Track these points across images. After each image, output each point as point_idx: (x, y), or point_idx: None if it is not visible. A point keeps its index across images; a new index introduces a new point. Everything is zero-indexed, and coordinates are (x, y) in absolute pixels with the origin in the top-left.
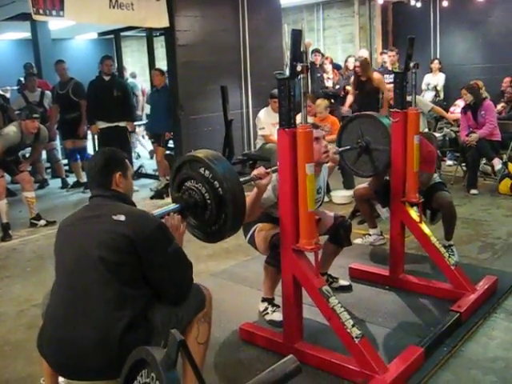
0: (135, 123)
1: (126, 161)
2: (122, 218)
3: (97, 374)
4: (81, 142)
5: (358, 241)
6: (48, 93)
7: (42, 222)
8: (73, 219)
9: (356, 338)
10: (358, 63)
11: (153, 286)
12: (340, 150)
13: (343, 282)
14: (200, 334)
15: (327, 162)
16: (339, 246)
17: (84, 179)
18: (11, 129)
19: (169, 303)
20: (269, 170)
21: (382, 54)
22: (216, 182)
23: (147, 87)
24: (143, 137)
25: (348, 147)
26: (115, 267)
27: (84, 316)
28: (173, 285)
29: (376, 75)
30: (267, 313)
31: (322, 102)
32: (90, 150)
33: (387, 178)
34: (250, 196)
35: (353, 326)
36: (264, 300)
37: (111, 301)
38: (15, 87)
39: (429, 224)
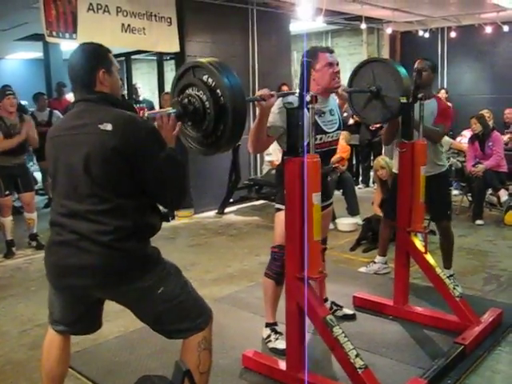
0: None
1: (110, 54)
2: (109, 127)
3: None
4: None
5: (362, 269)
6: (56, 112)
7: (33, 244)
8: (60, 129)
9: (359, 368)
10: None
11: (147, 192)
12: (349, 89)
13: (347, 311)
14: (201, 364)
15: (335, 89)
16: None
17: None
18: None
19: (164, 207)
20: (273, 92)
21: None
22: (218, 91)
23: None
24: None
25: (357, 89)
26: (106, 181)
27: (80, 224)
28: (167, 190)
29: None
30: (270, 340)
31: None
32: None
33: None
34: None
35: (356, 356)
36: (267, 325)
37: (106, 213)
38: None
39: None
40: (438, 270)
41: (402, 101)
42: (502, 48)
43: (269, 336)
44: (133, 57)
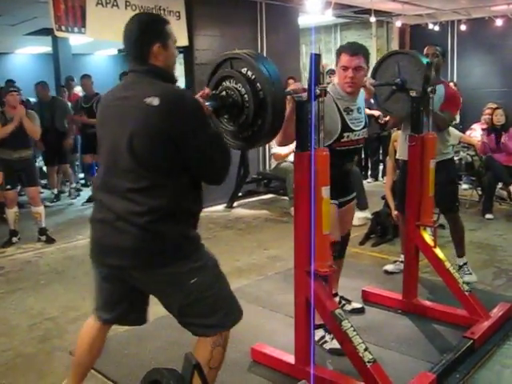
0: None
1: (167, 28)
2: (156, 101)
3: (127, 259)
4: None
5: (388, 267)
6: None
7: (43, 238)
8: (108, 99)
9: (368, 362)
10: None
11: (191, 169)
12: (375, 83)
13: (356, 305)
14: (213, 359)
15: (348, 93)
16: (339, 257)
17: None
18: None
19: (208, 183)
20: (306, 86)
21: None
22: (258, 84)
23: None
24: None
25: (382, 82)
26: (147, 157)
27: (117, 203)
28: (211, 167)
29: None
30: (326, 341)
31: None
32: None
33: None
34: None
35: (365, 350)
36: (319, 327)
37: (143, 191)
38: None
39: None
40: (447, 264)
41: (411, 94)
42: None
43: (323, 337)
44: None
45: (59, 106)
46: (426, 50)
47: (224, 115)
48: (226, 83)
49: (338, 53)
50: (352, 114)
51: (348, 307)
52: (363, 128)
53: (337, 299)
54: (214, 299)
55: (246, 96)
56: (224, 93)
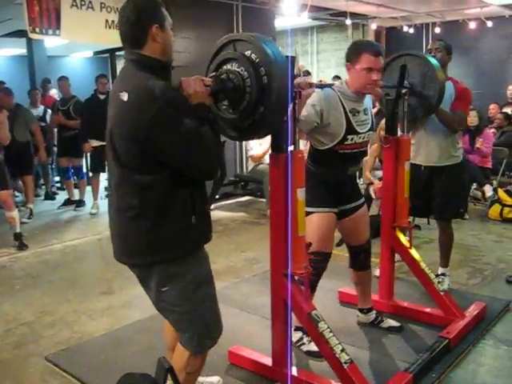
0: None
1: (163, 10)
2: (125, 97)
3: (127, 257)
4: (77, 160)
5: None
6: (50, 111)
7: (16, 243)
8: (112, 89)
9: (345, 363)
10: None
11: (172, 168)
12: (382, 85)
13: (393, 323)
14: (190, 366)
15: (367, 93)
16: (362, 269)
17: (75, 197)
18: None
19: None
20: (312, 81)
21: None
22: (262, 69)
23: None
24: None
25: (389, 84)
26: (122, 155)
27: (114, 201)
28: (192, 167)
29: None
30: (303, 343)
31: None
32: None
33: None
34: None
35: (342, 351)
36: (297, 329)
37: (124, 188)
38: None
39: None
40: (423, 265)
41: (386, 97)
42: (486, 43)
43: (301, 339)
44: (117, 53)
45: (21, 115)
46: (429, 45)
47: (223, 100)
48: (228, 66)
49: (357, 52)
50: (358, 116)
51: (384, 325)
52: (369, 130)
53: (372, 315)
54: (182, 318)
55: (248, 80)
56: (225, 75)
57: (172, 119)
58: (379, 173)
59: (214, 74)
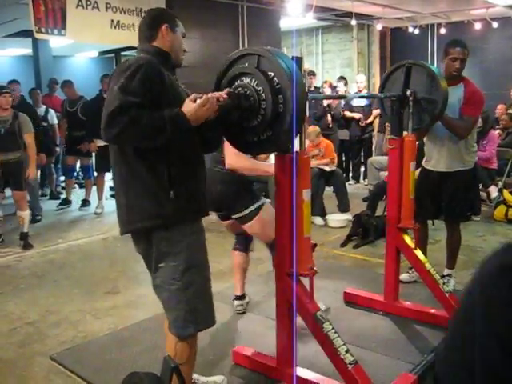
0: None
1: (178, 20)
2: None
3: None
4: (86, 159)
5: (404, 276)
6: (51, 111)
7: (22, 243)
8: None
9: (349, 364)
10: None
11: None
12: (382, 95)
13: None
14: (178, 355)
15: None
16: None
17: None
18: None
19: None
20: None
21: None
22: (281, 97)
23: None
24: None
25: (389, 94)
26: None
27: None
28: (102, 121)
29: None
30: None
31: (312, 131)
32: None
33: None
34: None
35: (346, 352)
36: (236, 298)
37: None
38: None
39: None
40: (428, 266)
41: (392, 99)
42: (491, 44)
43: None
44: (122, 53)
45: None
46: (452, 51)
47: (236, 116)
48: (244, 81)
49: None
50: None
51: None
52: None
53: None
54: (171, 298)
55: (263, 103)
56: (241, 90)
57: (121, 77)
58: (384, 173)
59: (229, 89)
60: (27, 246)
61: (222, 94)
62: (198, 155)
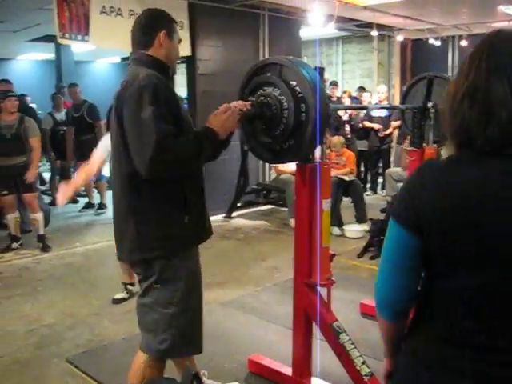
0: None
1: (174, 24)
2: (119, 87)
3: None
4: None
5: None
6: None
7: (40, 245)
8: None
9: (365, 376)
10: None
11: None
12: (402, 107)
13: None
14: (146, 375)
15: None
16: None
17: (95, 200)
18: None
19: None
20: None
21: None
22: (303, 105)
23: None
24: None
25: (410, 106)
26: (115, 140)
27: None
28: (134, 154)
29: None
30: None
31: (338, 141)
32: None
33: None
34: None
35: (363, 363)
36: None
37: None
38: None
39: None
40: None
41: (413, 110)
42: None
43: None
44: None
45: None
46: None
47: (259, 125)
48: (266, 90)
49: None
50: None
51: None
52: None
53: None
54: (162, 320)
55: (286, 112)
56: (264, 99)
57: (140, 101)
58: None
59: (251, 99)
60: (45, 248)
61: (247, 105)
62: (202, 175)
